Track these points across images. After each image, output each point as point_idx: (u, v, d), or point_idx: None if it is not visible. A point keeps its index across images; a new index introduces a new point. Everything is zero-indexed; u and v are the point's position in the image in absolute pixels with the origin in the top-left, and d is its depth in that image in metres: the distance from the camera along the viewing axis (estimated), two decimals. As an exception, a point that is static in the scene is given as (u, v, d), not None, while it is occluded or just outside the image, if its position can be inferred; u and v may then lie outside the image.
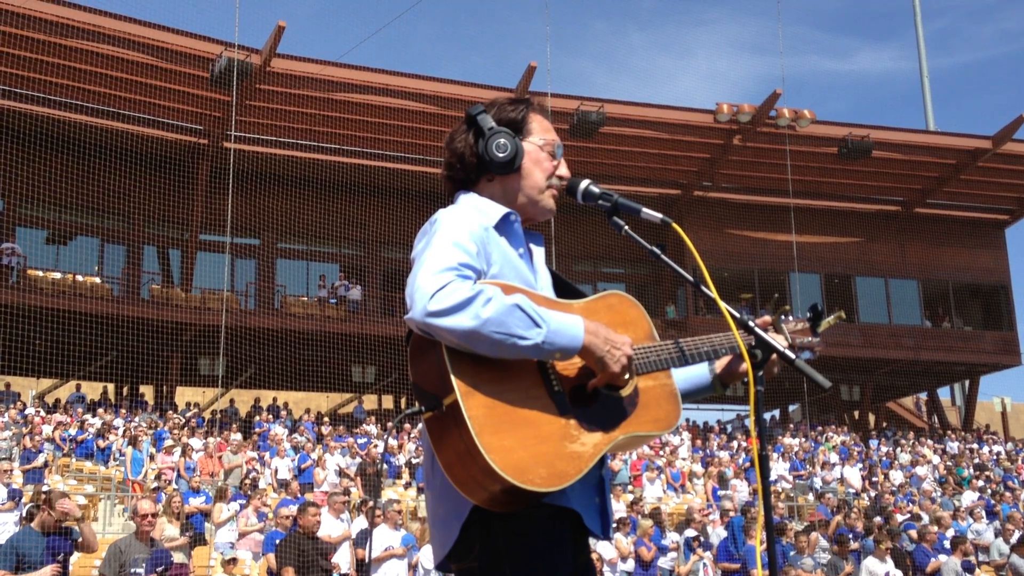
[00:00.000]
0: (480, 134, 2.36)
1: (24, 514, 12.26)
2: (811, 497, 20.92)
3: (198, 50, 22.45)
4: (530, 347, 2.05)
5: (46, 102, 22.67)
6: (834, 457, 24.55)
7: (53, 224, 24.63)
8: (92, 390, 25.73)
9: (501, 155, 2.33)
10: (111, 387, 26.26)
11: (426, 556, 11.21)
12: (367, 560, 11.08)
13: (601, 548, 12.54)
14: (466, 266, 2.11)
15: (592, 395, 2.19)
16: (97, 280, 24.16)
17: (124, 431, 19.76)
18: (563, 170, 2.45)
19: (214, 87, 22.61)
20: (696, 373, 2.56)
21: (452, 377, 2.03)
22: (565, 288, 2.43)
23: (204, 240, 25.66)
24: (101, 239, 25.41)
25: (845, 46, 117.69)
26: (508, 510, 2.06)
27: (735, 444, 25.33)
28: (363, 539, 11.48)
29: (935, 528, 14.65)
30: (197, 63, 22.54)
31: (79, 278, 23.59)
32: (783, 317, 2.63)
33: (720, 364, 2.54)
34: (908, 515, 17.56)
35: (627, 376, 2.23)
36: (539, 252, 2.46)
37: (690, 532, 14.42)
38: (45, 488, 12.19)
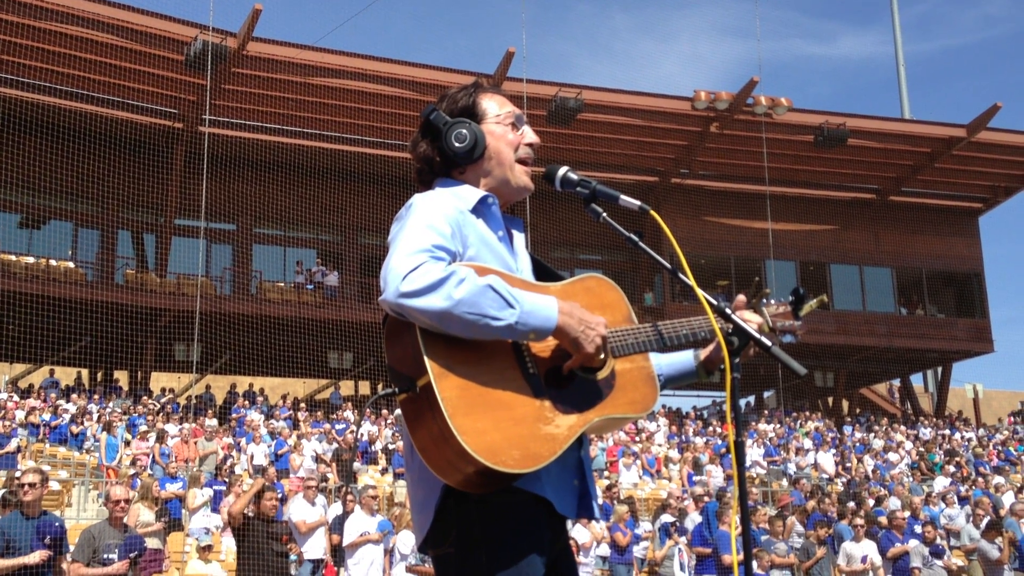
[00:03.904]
0: (438, 132, 2.37)
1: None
2: (785, 482, 21.10)
3: (173, 33, 22.21)
4: (503, 328, 2.06)
5: (18, 84, 22.37)
6: (808, 443, 24.77)
7: (26, 208, 24.35)
8: (66, 375, 25.53)
9: (460, 145, 2.34)
10: (85, 372, 26.07)
11: (403, 541, 11.23)
12: (341, 545, 11.08)
13: (575, 533, 12.60)
14: (440, 248, 2.11)
15: (567, 377, 2.19)
16: (71, 265, 23.93)
17: (98, 417, 19.64)
18: (530, 137, 2.45)
19: (189, 70, 22.40)
20: (681, 360, 2.58)
21: (425, 358, 2.03)
22: (546, 273, 2.43)
23: (179, 225, 25.47)
24: (75, 223, 25.18)
25: (827, 30, 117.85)
26: (483, 492, 2.07)
27: (711, 430, 25.52)
28: (339, 525, 11.48)
29: (905, 513, 14.81)
30: (172, 46, 22.30)
31: (52, 263, 23.37)
32: (764, 300, 2.63)
33: (704, 352, 2.56)
34: (874, 500, 17.75)
35: (602, 357, 2.23)
36: (519, 237, 2.46)
37: (667, 517, 14.49)
38: (17, 474, 12.09)
